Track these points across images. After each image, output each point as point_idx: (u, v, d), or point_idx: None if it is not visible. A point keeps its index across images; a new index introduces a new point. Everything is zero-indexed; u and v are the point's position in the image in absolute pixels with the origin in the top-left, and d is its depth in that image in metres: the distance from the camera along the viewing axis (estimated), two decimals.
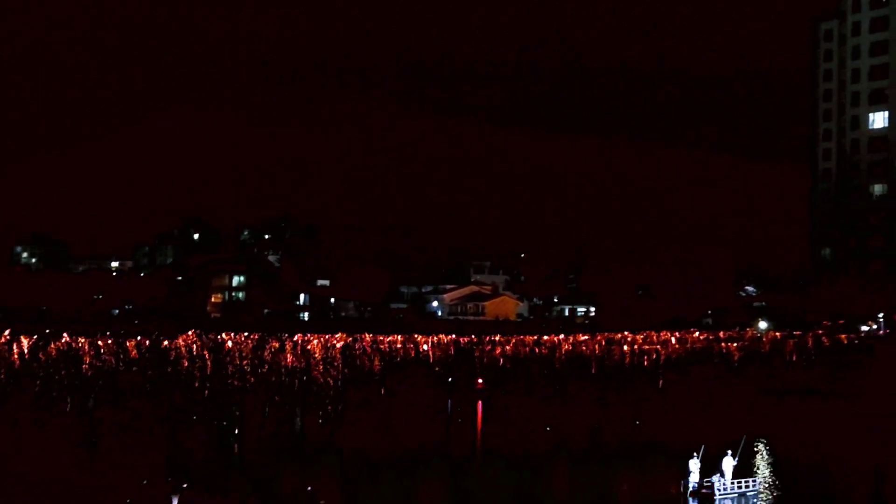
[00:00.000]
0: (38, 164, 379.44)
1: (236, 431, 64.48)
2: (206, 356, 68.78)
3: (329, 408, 70.30)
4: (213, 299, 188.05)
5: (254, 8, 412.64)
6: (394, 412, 74.10)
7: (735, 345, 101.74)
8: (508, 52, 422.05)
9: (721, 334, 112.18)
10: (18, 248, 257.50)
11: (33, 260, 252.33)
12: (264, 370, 68.88)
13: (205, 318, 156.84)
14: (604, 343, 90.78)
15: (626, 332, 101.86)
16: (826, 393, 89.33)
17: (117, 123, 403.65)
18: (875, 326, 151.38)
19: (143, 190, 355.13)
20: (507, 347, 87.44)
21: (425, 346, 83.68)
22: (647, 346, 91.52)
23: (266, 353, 70.24)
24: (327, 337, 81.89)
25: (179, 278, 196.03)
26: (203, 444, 60.81)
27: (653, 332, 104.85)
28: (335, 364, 71.22)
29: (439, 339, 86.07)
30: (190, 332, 74.25)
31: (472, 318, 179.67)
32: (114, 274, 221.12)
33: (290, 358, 69.83)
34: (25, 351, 66.07)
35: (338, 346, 75.59)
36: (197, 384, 67.84)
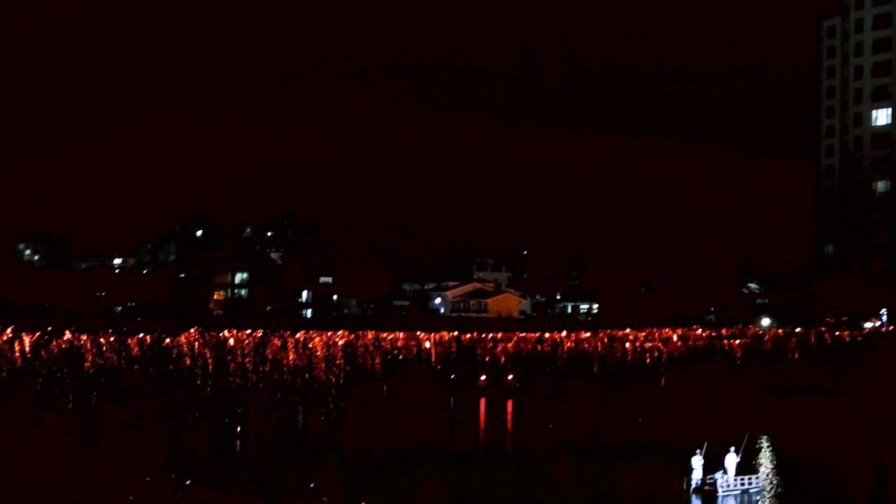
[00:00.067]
0: (40, 162, 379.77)
1: (238, 429, 64.48)
2: (208, 354, 68.76)
3: (331, 405, 70.34)
4: (215, 296, 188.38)
5: (254, 8, 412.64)
6: (396, 409, 74.14)
7: (737, 342, 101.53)
8: (508, 52, 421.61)
9: (723, 331, 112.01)
10: (21, 246, 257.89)
11: (36, 258, 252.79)
12: (266, 368, 68.87)
13: (207, 316, 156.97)
14: (606, 340, 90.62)
15: (628, 330, 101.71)
16: (828, 390, 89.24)
17: (118, 123, 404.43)
18: (878, 323, 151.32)
19: (145, 188, 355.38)
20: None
21: (427, 344, 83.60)
22: (648, 344, 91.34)
23: (268, 351, 70.23)
24: (329, 334, 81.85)
25: (182, 275, 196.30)
26: (205, 442, 60.84)
27: (655, 329, 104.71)
28: (337, 362, 71.21)
29: (440, 336, 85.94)
30: (192, 330, 74.11)
31: (474, 315, 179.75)
32: (116, 271, 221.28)
33: (292, 356, 69.75)
34: (27, 349, 66.09)
35: (340, 343, 75.54)
36: (199, 382, 67.89)
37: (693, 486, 46.39)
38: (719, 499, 45.63)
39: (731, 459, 47.22)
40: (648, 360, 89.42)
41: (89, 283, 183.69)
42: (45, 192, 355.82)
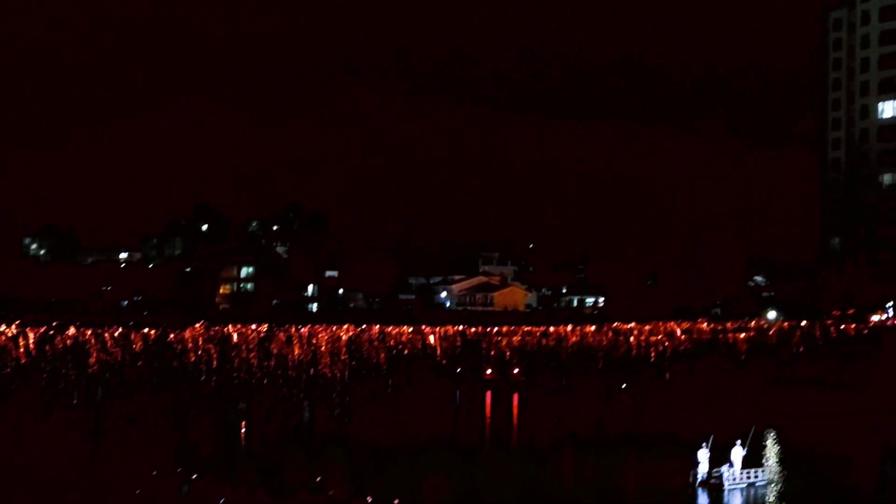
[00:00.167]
0: (47, 158, 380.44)
1: (244, 423, 64.54)
2: (212, 349, 68.85)
3: (336, 399, 70.33)
4: (221, 290, 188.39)
5: (254, 8, 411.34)
6: (401, 403, 74.13)
7: (742, 336, 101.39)
8: (508, 52, 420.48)
9: (729, 325, 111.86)
10: (27, 241, 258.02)
11: (42, 252, 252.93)
12: (271, 363, 68.93)
13: (213, 310, 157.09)
14: (611, 334, 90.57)
15: (633, 324, 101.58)
16: (833, 384, 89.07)
17: (122, 120, 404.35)
18: (885, 316, 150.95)
19: (151, 183, 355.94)
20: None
21: (432, 338, 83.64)
22: (654, 338, 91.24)
23: (273, 346, 70.26)
24: (335, 328, 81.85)
25: (188, 269, 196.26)
26: (210, 437, 60.88)
27: (661, 323, 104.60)
28: (342, 357, 71.28)
29: (445, 331, 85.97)
30: (198, 325, 74.24)
31: (480, 308, 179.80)
32: (122, 265, 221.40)
33: (297, 351, 69.84)
34: (31, 345, 66.20)
35: (344, 337, 75.61)
36: (203, 378, 67.98)
37: (699, 479, 46.32)
38: (725, 492, 45.56)
39: (738, 453, 47.13)
40: (653, 355, 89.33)
41: (95, 278, 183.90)
42: (52, 188, 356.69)
